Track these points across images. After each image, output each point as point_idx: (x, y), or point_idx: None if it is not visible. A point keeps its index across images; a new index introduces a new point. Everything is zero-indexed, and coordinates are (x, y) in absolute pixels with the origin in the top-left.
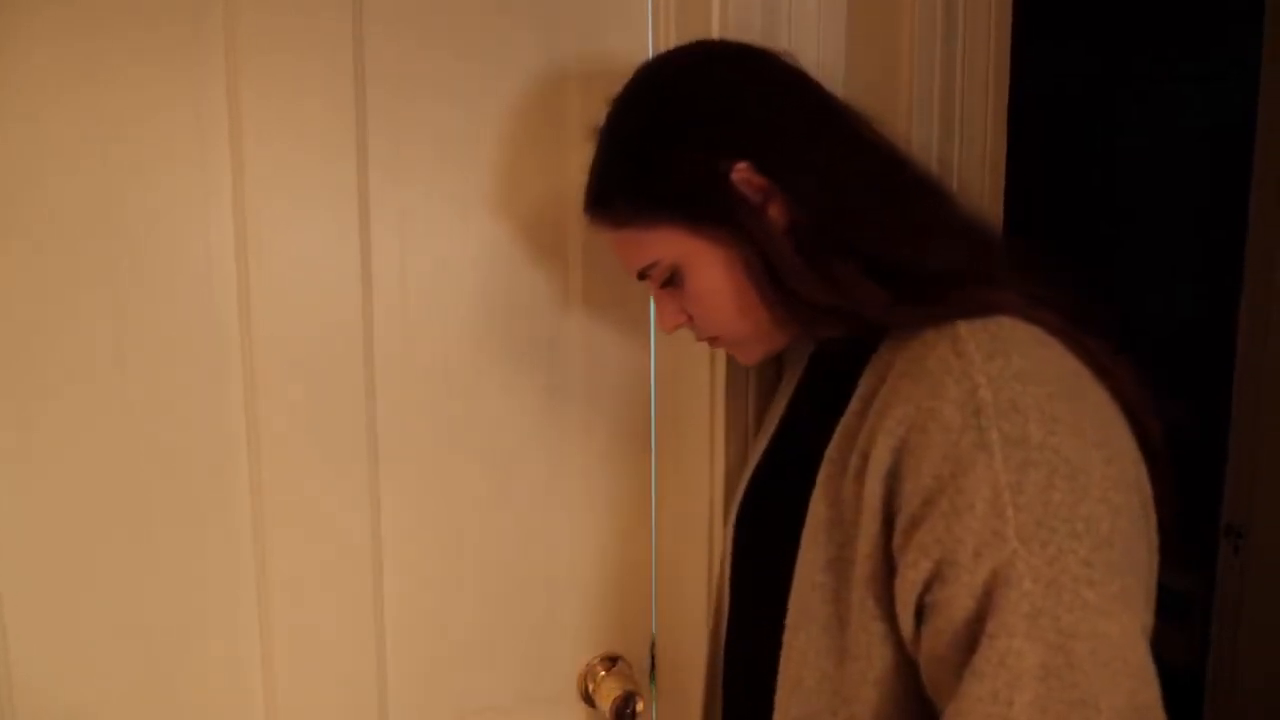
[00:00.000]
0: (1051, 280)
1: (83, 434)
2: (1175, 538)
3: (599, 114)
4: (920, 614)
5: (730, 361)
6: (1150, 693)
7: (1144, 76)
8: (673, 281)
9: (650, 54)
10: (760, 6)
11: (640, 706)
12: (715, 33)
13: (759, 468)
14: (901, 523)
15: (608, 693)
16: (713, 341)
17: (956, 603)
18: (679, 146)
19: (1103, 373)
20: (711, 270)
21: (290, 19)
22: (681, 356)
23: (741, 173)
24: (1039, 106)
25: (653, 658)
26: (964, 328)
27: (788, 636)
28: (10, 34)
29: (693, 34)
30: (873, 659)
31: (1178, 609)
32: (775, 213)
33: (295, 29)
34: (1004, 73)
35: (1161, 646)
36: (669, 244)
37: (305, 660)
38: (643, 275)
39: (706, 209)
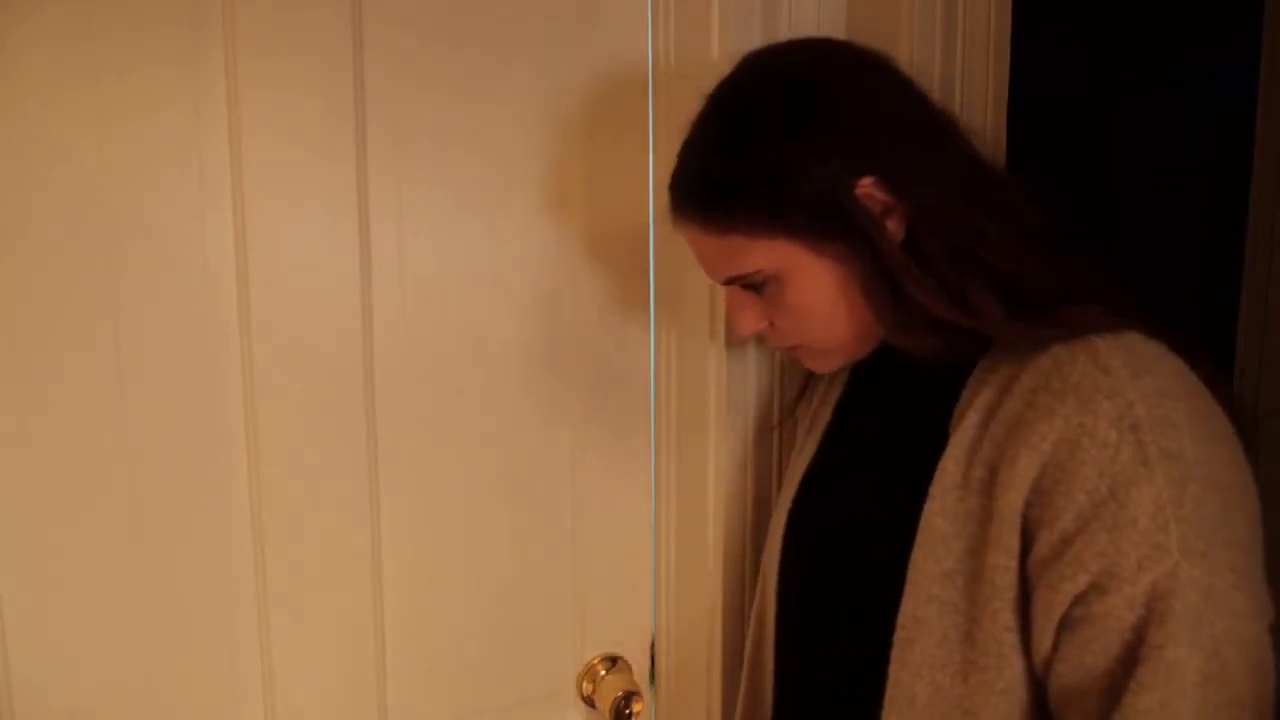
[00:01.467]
0: (1135, 293)
1: (82, 433)
2: None
3: (600, 113)
4: (1062, 626)
5: (731, 362)
6: (1270, 686)
7: (1144, 76)
8: (762, 288)
9: (649, 51)
10: (760, 6)
11: (640, 707)
12: (714, 31)
13: (810, 479)
14: (1049, 537)
15: (607, 693)
16: (791, 349)
17: (1114, 614)
18: (804, 158)
19: (1213, 387)
20: (821, 283)
21: (289, 17)
22: (682, 357)
23: (866, 188)
24: (1039, 106)
25: (653, 658)
26: (1101, 343)
27: (898, 651)
28: (9, 34)
29: (691, 31)
30: (1003, 669)
31: None
32: (893, 226)
33: (295, 27)
34: (1004, 73)
35: None
36: (776, 255)
37: (305, 660)
38: (730, 281)
39: (828, 225)
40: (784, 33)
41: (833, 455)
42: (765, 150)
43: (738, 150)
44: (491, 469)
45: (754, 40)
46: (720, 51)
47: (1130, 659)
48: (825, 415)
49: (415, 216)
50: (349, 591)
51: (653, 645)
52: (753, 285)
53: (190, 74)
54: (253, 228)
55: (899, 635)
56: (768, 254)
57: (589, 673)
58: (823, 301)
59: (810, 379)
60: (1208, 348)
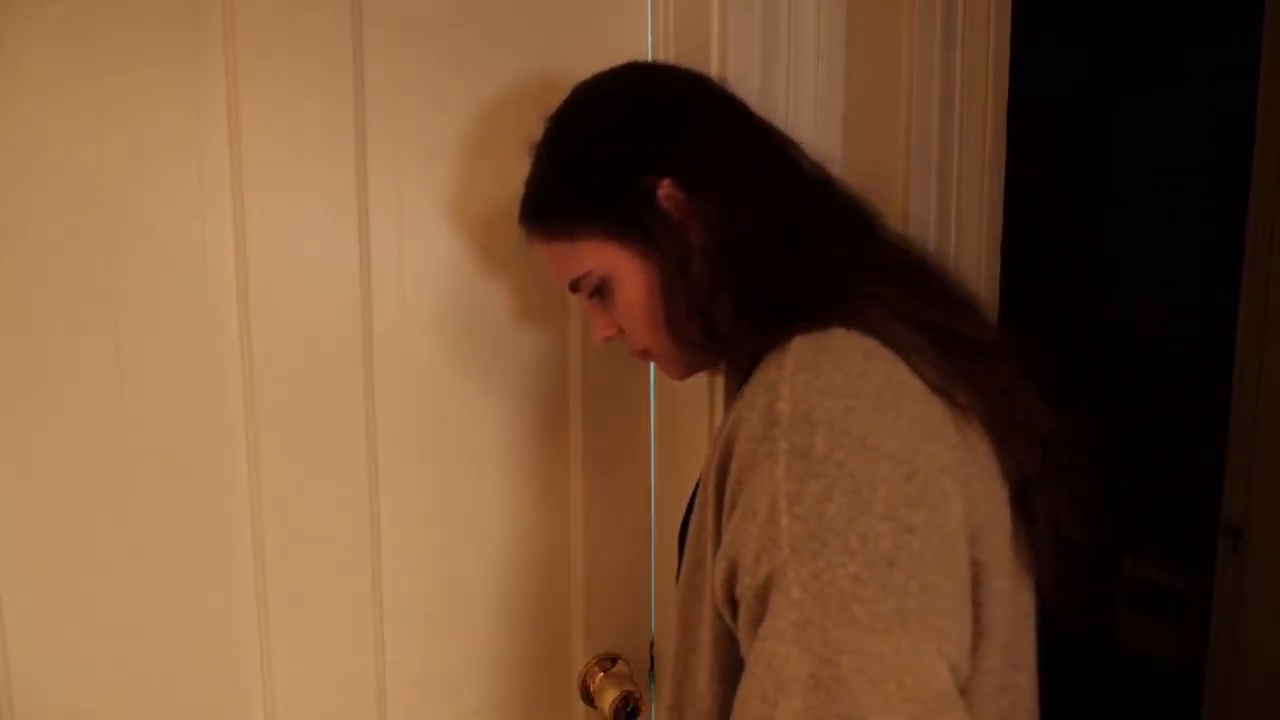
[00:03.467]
0: (960, 305)
1: (82, 433)
2: (1170, 538)
3: None
4: (735, 609)
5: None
6: (921, 714)
7: (1144, 76)
8: (601, 293)
9: (649, 45)
10: (760, 8)
11: (640, 707)
12: (714, 36)
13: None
14: (723, 524)
15: (607, 693)
16: (643, 354)
17: (744, 600)
18: (606, 162)
19: (954, 396)
20: (634, 284)
21: (289, 17)
22: None
23: (665, 189)
24: (1039, 106)
25: (652, 658)
26: (796, 341)
27: (673, 635)
28: (9, 34)
29: (691, 38)
30: (716, 653)
31: (1176, 609)
32: (694, 234)
33: (295, 27)
34: (1004, 73)
35: (1160, 646)
36: (597, 256)
37: (305, 661)
38: (574, 287)
39: (630, 223)
40: (784, 22)
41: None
42: (570, 159)
43: (551, 162)
44: (491, 468)
45: (754, 30)
46: (720, 44)
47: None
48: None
49: (415, 216)
50: (349, 591)
51: (652, 645)
52: (596, 292)
53: (190, 74)
54: (253, 227)
55: (672, 620)
56: (590, 257)
57: (589, 673)
58: (641, 300)
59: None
60: (1207, 348)
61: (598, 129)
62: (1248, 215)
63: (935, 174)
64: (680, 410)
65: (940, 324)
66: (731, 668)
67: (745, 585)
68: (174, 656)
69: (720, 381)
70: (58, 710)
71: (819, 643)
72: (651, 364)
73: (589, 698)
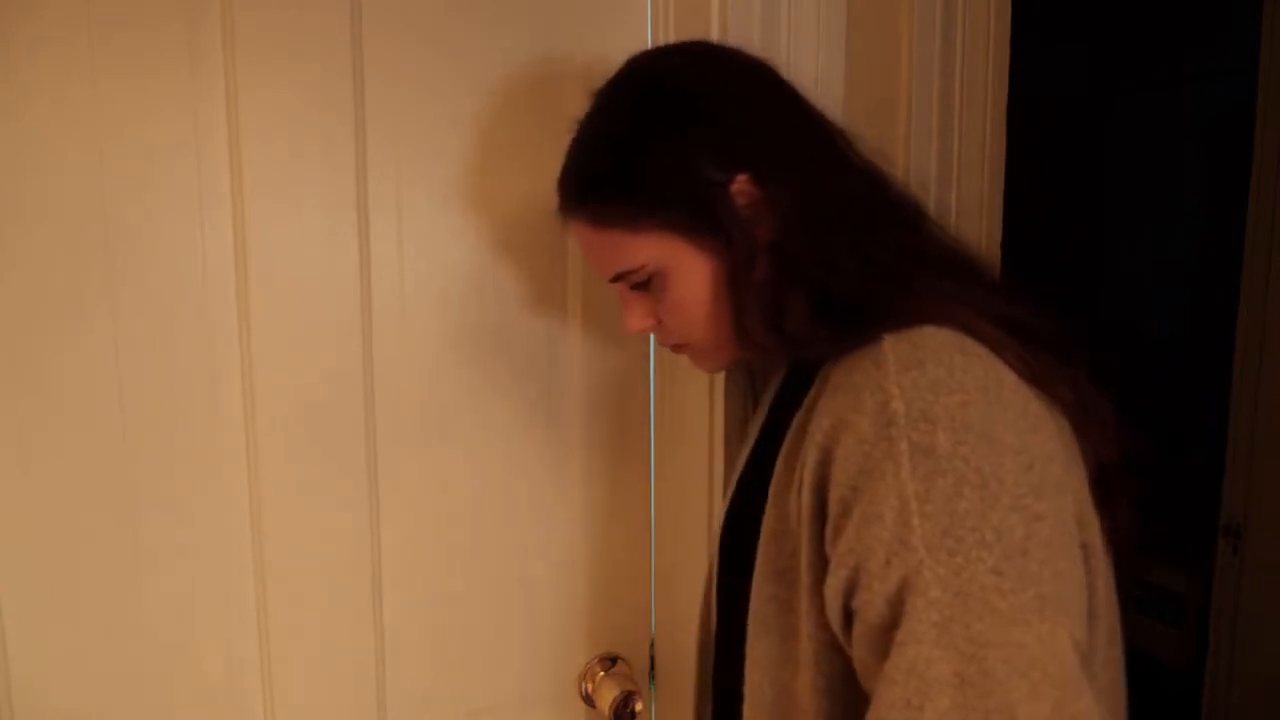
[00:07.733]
0: (1020, 300)
1: (81, 435)
2: (1170, 538)
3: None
4: (849, 620)
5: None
6: (1081, 703)
7: (1143, 76)
8: (649, 285)
9: (649, 44)
10: (760, 6)
11: (639, 707)
12: (714, 34)
13: (739, 481)
14: (828, 532)
15: (607, 693)
16: (677, 348)
17: (872, 609)
18: (680, 152)
19: (1044, 386)
20: (700, 278)
21: (288, 20)
22: (681, 359)
23: (741, 185)
24: (1038, 107)
25: (652, 658)
26: (888, 340)
27: (749, 647)
28: (8, 35)
29: (691, 30)
30: (820, 666)
31: (1176, 609)
32: (763, 230)
33: (293, 30)
34: (1003, 74)
35: (1159, 646)
36: (657, 249)
37: (305, 661)
38: (618, 278)
39: (703, 219)
40: (784, 22)
41: (755, 459)
42: (643, 145)
43: (618, 146)
44: (491, 469)
45: (754, 30)
46: (720, 37)
47: (886, 653)
48: (762, 414)
49: (415, 217)
50: (349, 592)
51: (652, 645)
52: (640, 284)
53: (189, 74)
54: (252, 228)
55: (749, 633)
56: (649, 249)
57: (588, 673)
58: (703, 297)
59: (752, 382)
60: (1206, 348)
61: (664, 113)
62: (1248, 215)
63: (935, 174)
64: (680, 410)
65: (1012, 317)
66: (837, 679)
67: (874, 591)
68: (174, 657)
69: (721, 381)
70: (58, 710)
71: (963, 639)
72: (651, 364)
73: (589, 697)
